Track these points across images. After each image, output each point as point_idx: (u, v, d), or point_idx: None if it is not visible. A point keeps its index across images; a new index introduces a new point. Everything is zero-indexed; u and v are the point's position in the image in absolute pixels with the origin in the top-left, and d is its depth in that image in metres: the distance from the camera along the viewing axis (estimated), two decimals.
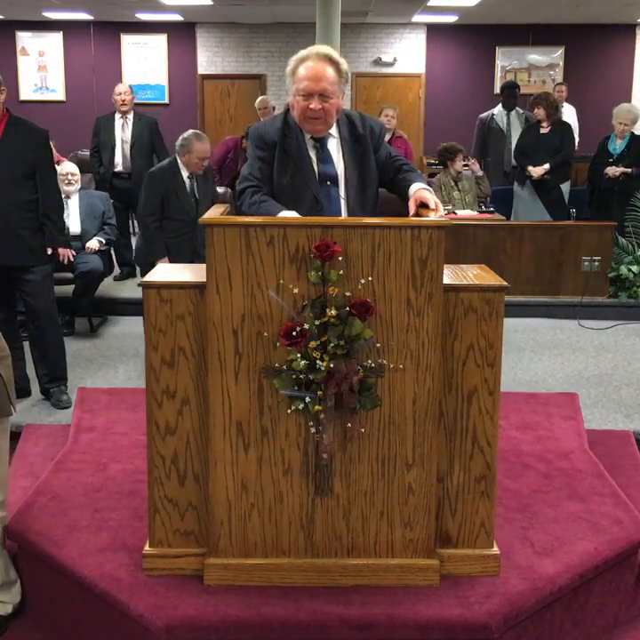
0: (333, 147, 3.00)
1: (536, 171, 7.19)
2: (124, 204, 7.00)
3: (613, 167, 7.09)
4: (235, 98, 10.45)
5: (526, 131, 7.66)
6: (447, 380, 2.58)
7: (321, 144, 2.97)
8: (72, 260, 4.59)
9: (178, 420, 2.61)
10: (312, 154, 2.98)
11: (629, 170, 7.04)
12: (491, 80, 12.22)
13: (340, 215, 2.95)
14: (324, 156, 2.97)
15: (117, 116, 7.15)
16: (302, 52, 2.90)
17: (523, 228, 6.67)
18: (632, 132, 7.24)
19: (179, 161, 5.12)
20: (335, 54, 2.90)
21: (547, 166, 7.17)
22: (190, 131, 5.26)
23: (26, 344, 4.48)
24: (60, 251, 4.30)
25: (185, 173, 5.17)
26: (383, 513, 2.61)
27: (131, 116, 7.12)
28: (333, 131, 2.99)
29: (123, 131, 7.10)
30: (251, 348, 2.49)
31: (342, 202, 2.97)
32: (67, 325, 5.59)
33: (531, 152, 7.30)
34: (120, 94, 7.10)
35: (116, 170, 7.07)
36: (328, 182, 2.96)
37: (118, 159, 7.07)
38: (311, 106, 2.85)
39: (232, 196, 6.22)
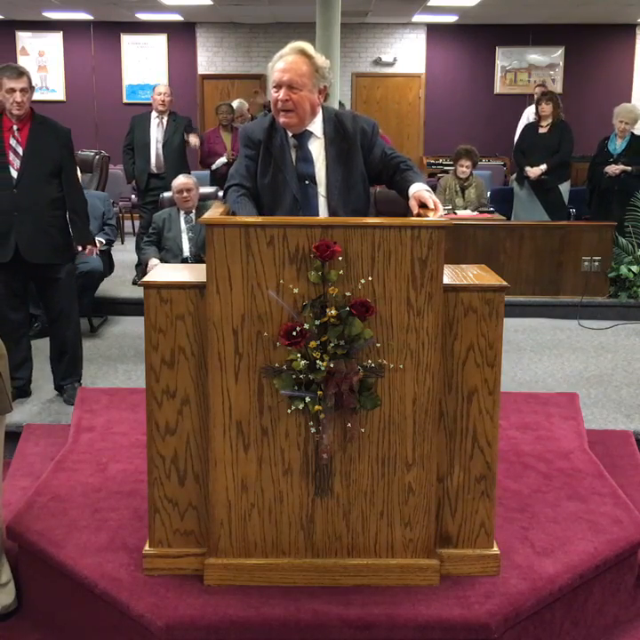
0: (316, 146, 2.99)
1: (533, 171, 7.19)
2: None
3: (613, 166, 7.09)
4: (235, 98, 10.47)
5: (525, 131, 7.65)
6: (447, 380, 2.58)
7: (300, 143, 2.98)
8: (97, 254, 4.83)
9: (178, 420, 2.61)
10: (292, 153, 2.98)
11: (629, 168, 7.04)
12: (491, 80, 12.23)
13: (318, 214, 2.96)
14: (303, 155, 2.98)
15: (153, 115, 7.12)
16: (282, 50, 2.94)
17: (523, 227, 6.67)
18: (632, 133, 7.24)
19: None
20: (310, 48, 2.93)
21: (543, 167, 7.16)
22: None
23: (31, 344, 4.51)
24: (89, 247, 4.41)
25: (182, 214, 5.42)
26: (383, 513, 2.61)
27: (166, 117, 7.12)
28: (318, 131, 2.99)
29: (157, 130, 7.09)
30: (251, 348, 2.49)
31: (322, 201, 2.97)
32: None
33: (529, 152, 7.30)
34: (160, 95, 7.06)
35: (151, 171, 7.07)
36: (306, 181, 2.97)
37: (152, 159, 7.06)
38: (280, 97, 2.88)
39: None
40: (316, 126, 2.99)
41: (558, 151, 7.23)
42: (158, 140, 7.05)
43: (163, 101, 7.05)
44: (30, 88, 4.11)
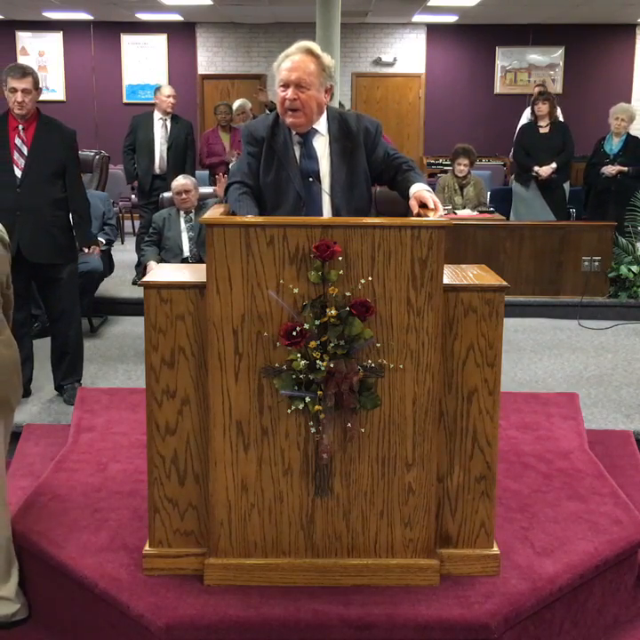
0: (320, 144, 2.99)
1: (544, 170, 7.18)
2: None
3: (610, 166, 7.11)
4: (235, 98, 10.45)
5: (525, 131, 7.66)
6: (447, 380, 2.58)
7: (305, 140, 2.98)
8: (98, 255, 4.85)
9: (178, 420, 2.61)
10: (296, 150, 2.99)
11: (626, 168, 7.06)
12: (491, 80, 12.22)
13: (323, 212, 2.96)
14: (308, 152, 2.98)
15: (157, 116, 7.11)
16: (288, 49, 2.94)
17: (523, 227, 6.68)
18: (628, 133, 7.26)
19: None
20: (317, 48, 2.93)
21: (554, 165, 7.17)
22: None
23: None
24: (92, 246, 4.45)
25: (182, 214, 5.42)
26: (383, 513, 2.61)
27: (169, 118, 7.12)
28: (322, 129, 2.99)
29: (162, 132, 7.08)
30: (251, 348, 2.49)
31: (325, 198, 2.97)
32: None
33: (533, 152, 7.30)
34: (169, 97, 7.06)
35: (154, 172, 7.07)
36: (310, 178, 2.97)
37: (157, 161, 7.06)
38: (287, 96, 2.87)
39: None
40: (321, 124, 2.99)
41: (563, 150, 7.24)
42: (163, 143, 7.05)
43: (171, 104, 7.06)
44: (35, 89, 4.13)
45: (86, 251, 4.46)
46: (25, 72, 4.11)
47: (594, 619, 2.83)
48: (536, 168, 7.22)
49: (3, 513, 2.76)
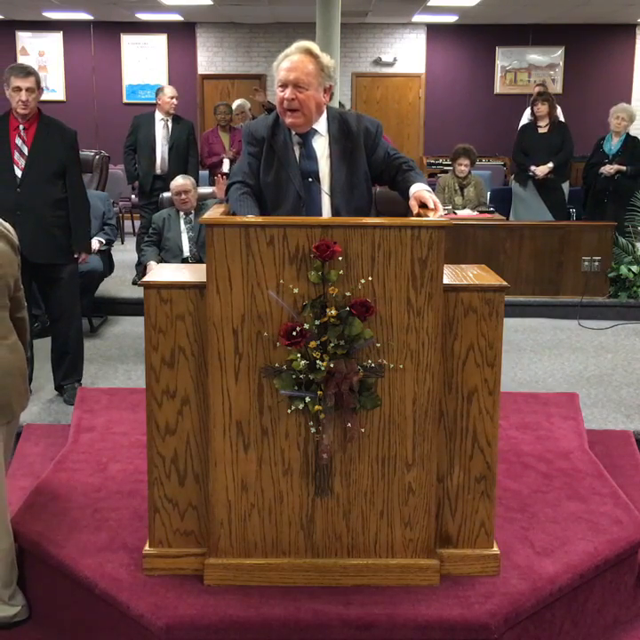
0: (320, 144, 2.99)
1: (540, 170, 7.19)
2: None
3: (608, 165, 7.12)
4: (235, 98, 10.47)
5: (525, 131, 7.66)
6: (447, 380, 2.58)
7: (304, 140, 2.98)
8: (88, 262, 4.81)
9: (178, 420, 2.61)
10: (296, 150, 2.99)
11: (624, 168, 7.07)
12: (491, 80, 12.22)
13: (322, 212, 2.96)
14: (307, 153, 2.98)
15: (158, 116, 7.11)
16: (287, 49, 2.95)
17: (523, 227, 6.68)
18: (628, 133, 7.27)
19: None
20: (316, 48, 2.93)
21: (551, 165, 7.19)
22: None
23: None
24: (83, 255, 4.41)
25: (181, 214, 5.42)
26: (383, 513, 2.61)
27: (170, 119, 7.12)
28: (322, 129, 2.99)
29: (163, 132, 7.08)
30: (251, 348, 2.49)
31: (325, 198, 2.97)
32: None
33: (532, 152, 7.31)
34: (172, 98, 7.07)
35: (155, 173, 7.08)
36: (310, 178, 2.97)
37: (158, 161, 7.06)
38: (286, 96, 2.87)
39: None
40: (321, 124, 2.99)
41: (562, 150, 7.25)
42: (164, 143, 7.06)
43: (174, 105, 7.06)
44: (37, 89, 4.14)
45: (77, 256, 4.41)
46: (28, 71, 4.13)
47: (594, 619, 2.83)
48: (532, 168, 7.23)
49: (3, 521, 2.76)
